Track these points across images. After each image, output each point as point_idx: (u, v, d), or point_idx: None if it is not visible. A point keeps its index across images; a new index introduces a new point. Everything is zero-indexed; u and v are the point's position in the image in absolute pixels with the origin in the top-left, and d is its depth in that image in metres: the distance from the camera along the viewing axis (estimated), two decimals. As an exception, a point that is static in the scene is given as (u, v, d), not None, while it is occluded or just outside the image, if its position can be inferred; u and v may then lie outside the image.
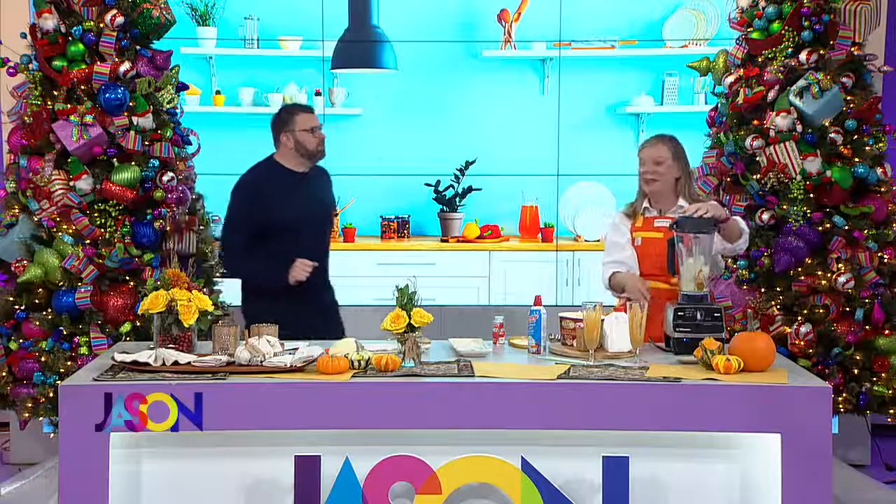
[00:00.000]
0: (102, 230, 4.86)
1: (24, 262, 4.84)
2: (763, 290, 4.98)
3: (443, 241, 6.79)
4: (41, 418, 4.95)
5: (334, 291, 4.96)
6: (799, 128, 4.97)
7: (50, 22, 4.82)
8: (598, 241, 6.67)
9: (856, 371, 4.94)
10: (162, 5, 5.07)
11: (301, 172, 4.80)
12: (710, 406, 3.53)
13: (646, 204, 4.48)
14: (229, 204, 4.82)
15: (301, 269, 4.63)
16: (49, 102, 4.85)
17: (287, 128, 4.76)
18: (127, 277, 4.88)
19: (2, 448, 5.68)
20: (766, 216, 4.98)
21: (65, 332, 4.83)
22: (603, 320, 3.88)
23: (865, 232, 4.95)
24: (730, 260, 5.02)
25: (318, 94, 6.76)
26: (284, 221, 4.69)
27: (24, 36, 4.96)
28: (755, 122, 5.08)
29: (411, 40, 6.71)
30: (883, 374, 4.98)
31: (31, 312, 4.88)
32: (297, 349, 3.81)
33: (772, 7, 5.10)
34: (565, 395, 3.55)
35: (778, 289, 4.97)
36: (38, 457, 5.31)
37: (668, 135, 4.54)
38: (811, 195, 4.94)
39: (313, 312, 4.72)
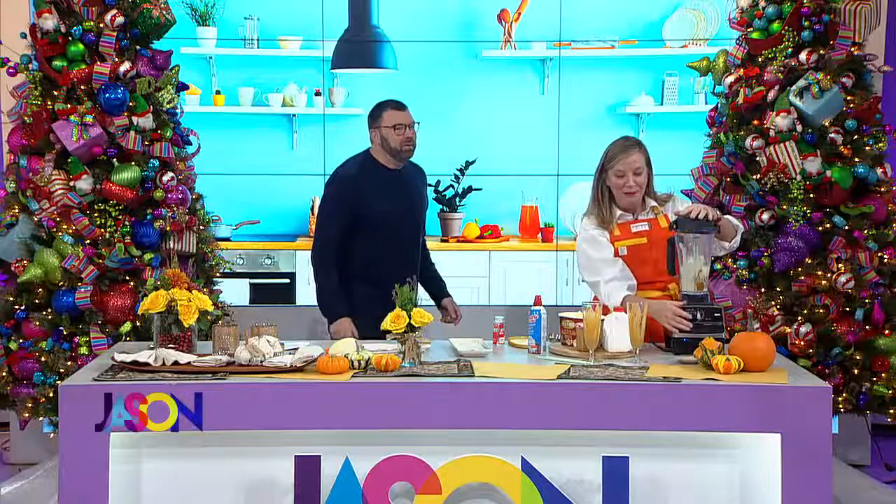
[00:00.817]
0: (102, 230, 4.86)
1: (24, 262, 4.85)
2: (763, 290, 4.98)
3: (443, 241, 6.78)
4: (41, 418, 4.95)
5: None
6: (799, 128, 4.97)
7: (50, 22, 4.82)
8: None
9: (856, 371, 4.94)
10: (162, 5, 5.07)
11: (394, 169, 4.81)
12: (710, 406, 3.53)
13: (618, 211, 4.30)
14: (323, 196, 4.85)
15: (344, 330, 4.62)
16: (49, 102, 4.85)
17: (375, 124, 4.79)
18: (127, 277, 4.88)
19: (2, 448, 5.68)
20: (766, 216, 4.97)
21: (65, 332, 4.83)
22: (603, 320, 3.88)
23: (865, 232, 4.95)
24: (729, 260, 5.03)
25: (318, 94, 6.76)
26: (377, 217, 4.71)
27: (24, 36, 4.96)
28: (755, 122, 5.08)
29: (411, 40, 6.71)
30: (883, 374, 4.98)
31: (31, 312, 4.88)
32: (297, 349, 3.81)
33: (772, 7, 5.09)
34: (565, 395, 3.55)
35: (778, 289, 4.97)
36: (38, 457, 5.31)
37: (635, 138, 4.40)
38: (811, 195, 4.94)
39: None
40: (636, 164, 4.25)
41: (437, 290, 5.07)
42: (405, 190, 4.85)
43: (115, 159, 4.88)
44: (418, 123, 4.84)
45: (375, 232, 4.73)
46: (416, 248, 4.93)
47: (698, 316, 3.91)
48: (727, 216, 4.28)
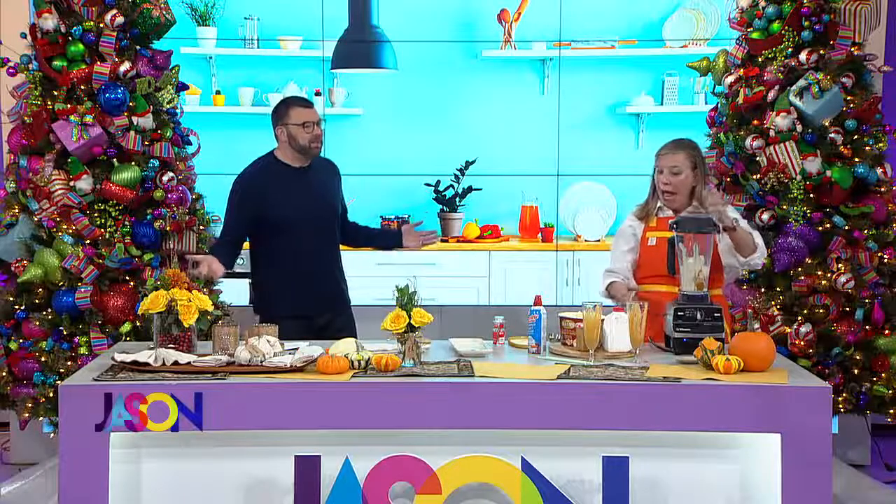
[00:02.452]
0: (102, 230, 4.86)
1: (24, 262, 4.85)
2: (763, 290, 4.98)
3: (443, 241, 6.78)
4: (41, 418, 4.96)
5: (346, 285, 4.93)
6: (799, 128, 4.98)
7: (50, 22, 4.82)
8: (599, 241, 6.67)
9: (856, 371, 4.94)
10: (162, 5, 5.08)
11: (299, 168, 4.77)
12: (710, 406, 3.53)
13: (660, 204, 4.39)
14: (228, 197, 4.83)
15: (203, 266, 4.60)
16: (49, 102, 4.85)
17: (281, 121, 4.73)
18: (127, 277, 4.88)
19: (2, 448, 5.68)
20: (766, 216, 4.98)
21: (65, 332, 4.83)
22: (603, 320, 3.88)
23: (865, 232, 4.95)
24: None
25: (318, 94, 6.76)
26: (280, 217, 4.68)
27: (24, 36, 4.96)
28: (755, 122, 5.08)
29: (411, 40, 6.71)
30: (883, 374, 4.98)
31: (31, 312, 4.88)
32: (297, 349, 3.81)
33: (772, 7, 5.10)
34: (565, 395, 3.55)
35: (778, 289, 4.97)
36: (38, 457, 5.31)
37: (688, 140, 4.42)
38: (811, 195, 4.94)
39: (318, 299, 4.74)
40: (672, 164, 4.31)
41: (390, 235, 5.06)
42: (311, 188, 4.77)
43: (115, 159, 4.88)
44: (324, 120, 4.80)
45: (283, 232, 4.69)
46: (332, 243, 4.87)
47: (698, 316, 3.91)
48: (750, 230, 4.26)
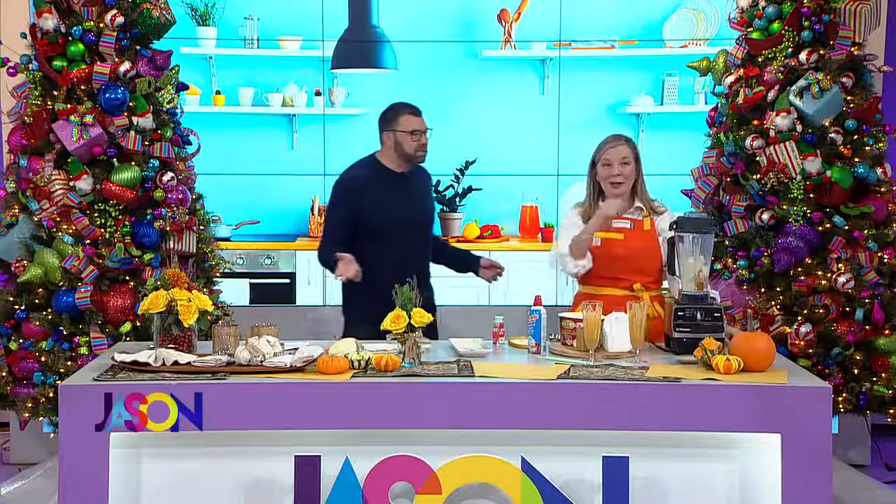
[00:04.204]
0: (102, 230, 4.86)
1: (24, 262, 4.85)
2: (763, 290, 4.98)
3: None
4: (41, 418, 4.95)
5: (433, 291, 4.89)
6: (799, 128, 4.97)
7: (50, 22, 4.82)
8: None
9: (856, 371, 4.94)
10: (162, 5, 5.07)
11: (401, 173, 4.78)
12: (710, 406, 3.53)
13: (601, 204, 4.40)
14: (329, 199, 4.83)
15: (343, 267, 4.51)
16: (49, 102, 4.85)
17: (389, 127, 4.75)
18: (127, 277, 4.88)
19: (2, 448, 5.68)
20: (766, 216, 4.97)
21: (65, 332, 4.83)
22: (603, 320, 3.88)
23: (865, 232, 4.95)
24: (729, 260, 5.03)
25: (318, 94, 6.76)
26: (381, 221, 4.68)
27: (24, 36, 4.96)
28: (755, 122, 5.08)
29: (411, 40, 6.72)
30: (883, 374, 4.97)
31: (31, 312, 4.88)
32: (296, 349, 3.81)
33: (772, 7, 5.09)
34: (565, 395, 3.55)
35: (778, 289, 4.97)
36: (38, 457, 5.32)
37: (625, 135, 4.50)
38: (811, 195, 4.94)
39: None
40: (622, 154, 4.37)
41: (470, 260, 5.05)
42: (412, 195, 4.81)
43: (115, 159, 4.88)
44: (431, 129, 4.81)
45: (381, 236, 4.69)
46: (424, 251, 4.88)
47: (698, 316, 3.91)
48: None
